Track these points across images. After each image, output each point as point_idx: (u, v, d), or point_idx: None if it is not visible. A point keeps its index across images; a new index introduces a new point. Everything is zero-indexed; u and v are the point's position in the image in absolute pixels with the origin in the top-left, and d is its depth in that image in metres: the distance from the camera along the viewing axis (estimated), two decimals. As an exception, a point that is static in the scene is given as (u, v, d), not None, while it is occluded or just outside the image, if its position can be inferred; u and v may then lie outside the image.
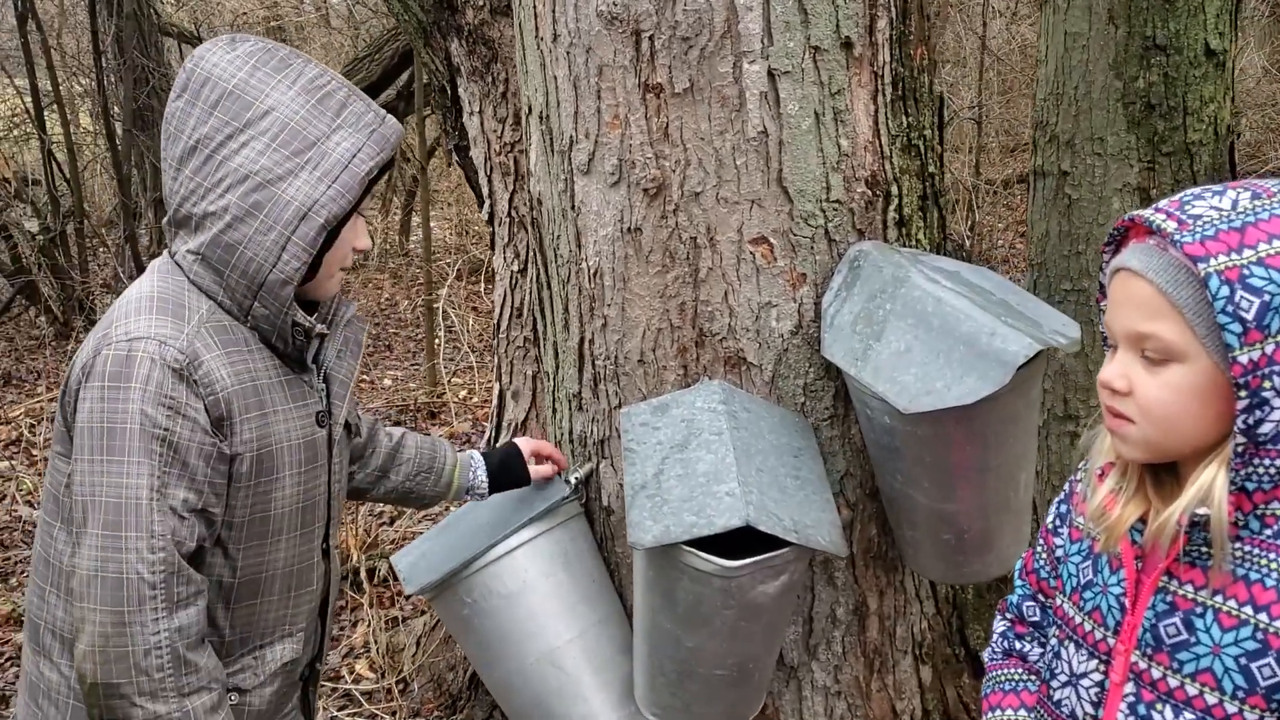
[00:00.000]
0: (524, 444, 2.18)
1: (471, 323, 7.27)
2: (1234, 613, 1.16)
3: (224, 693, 1.55)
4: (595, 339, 2.10)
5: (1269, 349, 1.10)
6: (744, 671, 1.89)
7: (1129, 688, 1.27)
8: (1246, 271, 1.10)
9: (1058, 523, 1.44)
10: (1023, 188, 10.23)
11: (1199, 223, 1.13)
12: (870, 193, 1.98)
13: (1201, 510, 1.16)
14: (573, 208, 2.05)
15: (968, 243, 7.99)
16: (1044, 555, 1.46)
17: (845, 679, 2.21)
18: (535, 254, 2.26)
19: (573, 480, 2.18)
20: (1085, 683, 1.34)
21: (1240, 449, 1.13)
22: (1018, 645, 1.53)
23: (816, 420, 2.03)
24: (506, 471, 2.14)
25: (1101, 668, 1.31)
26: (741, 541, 1.76)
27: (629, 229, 1.98)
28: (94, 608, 1.46)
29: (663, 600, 1.82)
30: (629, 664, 2.10)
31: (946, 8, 9.59)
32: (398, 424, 6.01)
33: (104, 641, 1.45)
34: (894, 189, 2.02)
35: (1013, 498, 1.94)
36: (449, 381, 6.32)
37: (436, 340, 6.39)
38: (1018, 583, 1.55)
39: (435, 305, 6.36)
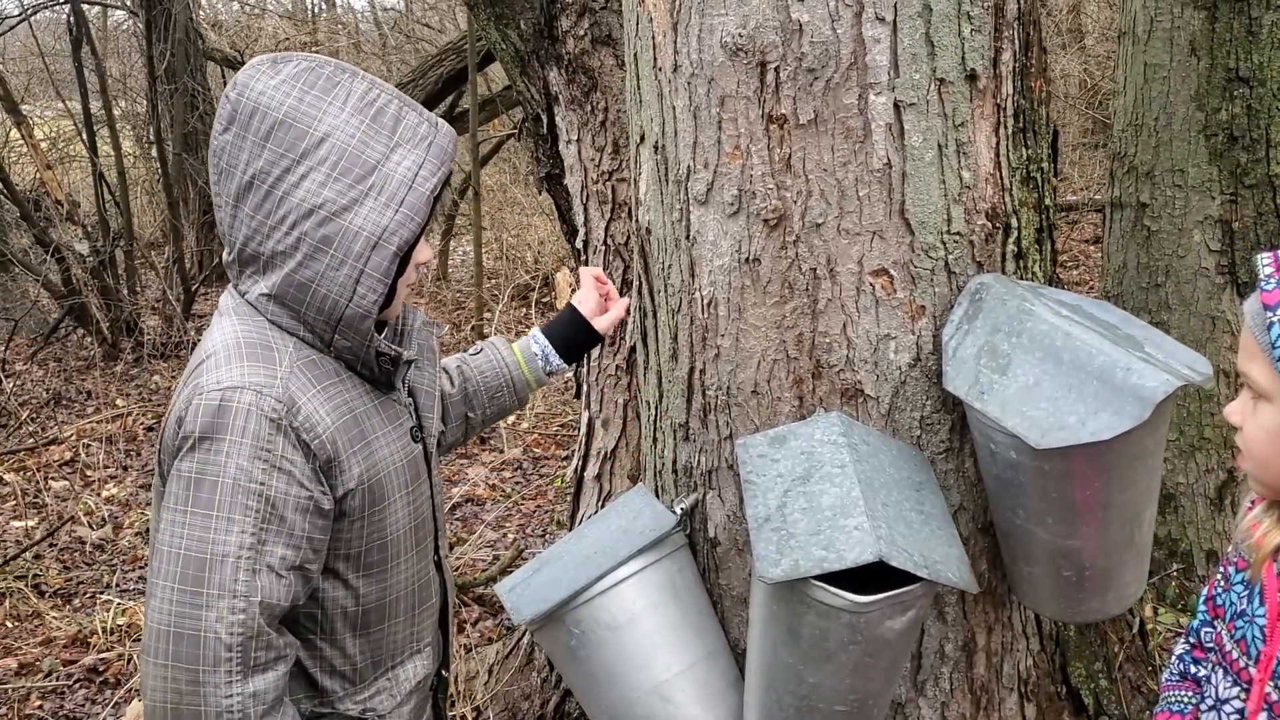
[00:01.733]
0: (582, 303, 2.15)
1: (519, 348, 7.28)
2: None
3: None
4: (707, 369, 2.09)
5: None
6: (864, 708, 1.87)
7: (1262, 717, 1.29)
8: None
9: (1231, 552, 1.45)
10: (1063, 218, 10.20)
11: None
12: (990, 225, 1.97)
13: None
14: (687, 237, 2.05)
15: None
16: (1221, 583, 1.47)
17: (952, 716, 2.18)
18: (640, 283, 2.25)
19: (679, 510, 2.16)
20: (1227, 708, 1.38)
21: None
22: (1193, 669, 1.57)
23: (932, 453, 2.01)
24: (576, 340, 2.14)
25: (1242, 695, 1.35)
26: (863, 577, 1.74)
27: (747, 259, 1.97)
28: (165, 664, 1.41)
29: (785, 634, 1.80)
30: (738, 697, 2.08)
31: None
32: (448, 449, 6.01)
33: (176, 700, 1.41)
34: (1013, 221, 2.00)
35: (1136, 535, 1.91)
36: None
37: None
38: (1199, 608, 1.57)
39: (485, 330, 6.38)
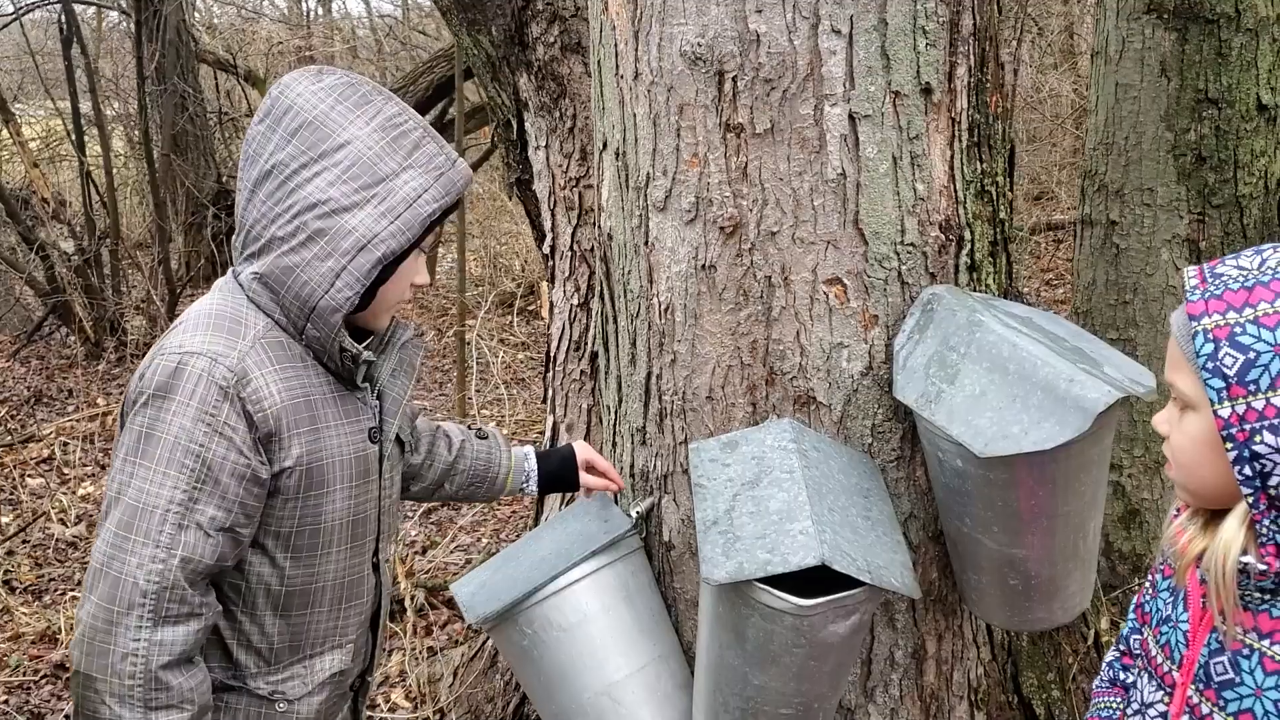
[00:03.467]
0: (580, 451, 2.22)
1: (501, 355, 7.30)
2: (1278, 658, 1.21)
3: (201, 713, 1.57)
4: (663, 374, 2.11)
5: (1257, 404, 1.16)
6: (809, 711, 1.88)
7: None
8: (1238, 329, 1.16)
9: (1159, 560, 1.47)
10: (1048, 236, 10.26)
11: (1216, 281, 1.21)
12: (944, 237, 2.00)
13: (1245, 558, 1.22)
14: (646, 243, 2.07)
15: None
16: (1149, 590, 1.49)
17: (901, 723, 2.19)
18: (603, 288, 2.28)
19: (634, 514, 2.18)
20: (1151, 712, 1.40)
21: (1253, 501, 1.19)
22: (1121, 675, 1.60)
23: (883, 461, 2.04)
24: (559, 479, 2.21)
25: (1166, 699, 1.37)
26: (809, 581, 1.76)
27: (703, 266, 2.00)
28: (92, 599, 1.51)
29: (731, 637, 1.82)
30: (688, 700, 2.10)
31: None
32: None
33: (92, 634, 1.50)
34: (967, 234, 2.03)
35: (1081, 545, 1.94)
36: (478, 412, 6.33)
37: (467, 371, 6.42)
38: (1130, 616, 1.60)
39: (467, 337, 6.39)
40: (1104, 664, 1.66)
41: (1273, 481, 1.17)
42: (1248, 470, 1.17)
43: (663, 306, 2.07)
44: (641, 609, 2.14)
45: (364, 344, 1.74)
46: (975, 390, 1.81)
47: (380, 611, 1.88)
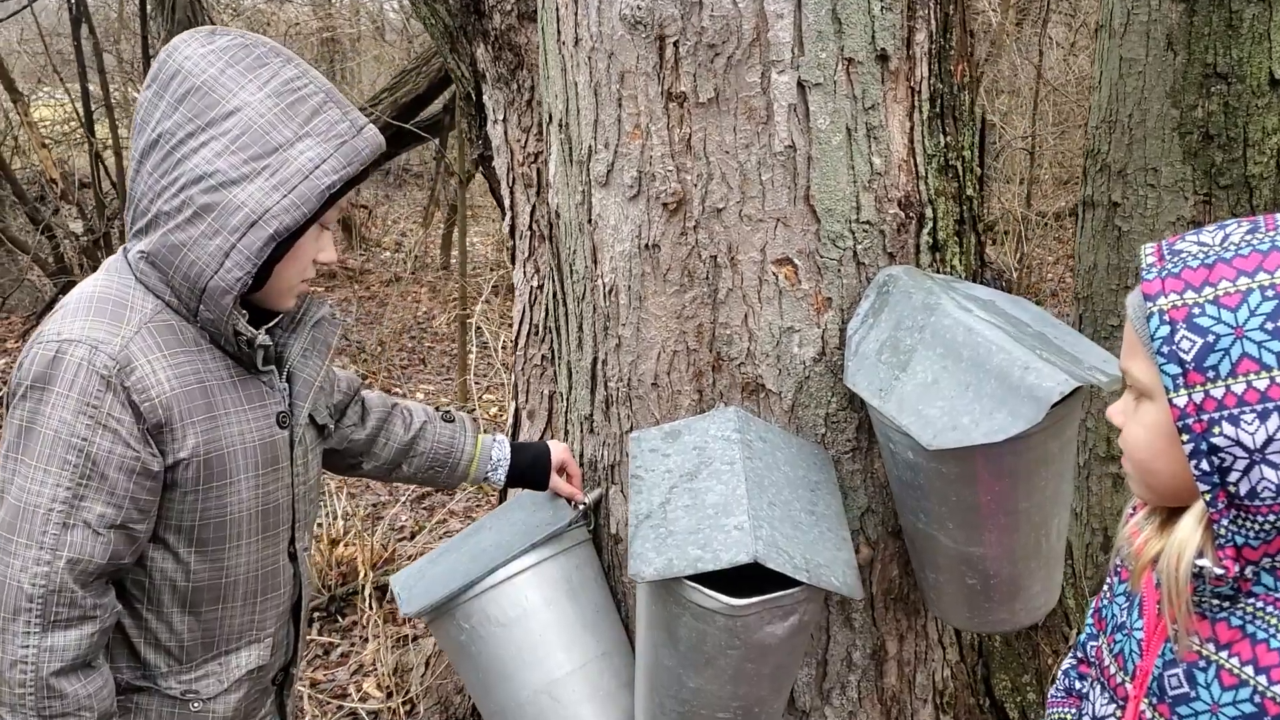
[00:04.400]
0: (556, 451, 2.12)
1: (504, 340, 7.21)
2: (1235, 671, 1.11)
3: (102, 719, 1.50)
4: (609, 359, 2.00)
5: (1216, 393, 1.05)
6: (748, 714, 1.78)
7: None
8: (1196, 310, 1.07)
9: (1118, 561, 1.37)
10: (1075, 220, 10.05)
11: (1174, 259, 1.11)
12: (903, 214, 1.88)
13: (1202, 561, 1.11)
14: (590, 221, 1.97)
15: (1015, 274, 7.83)
16: (1107, 595, 1.39)
17: (861, 727, 2.09)
18: (552, 269, 2.17)
19: (581, 505, 2.08)
20: None
21: (1211, 498, 1.08)
22: (1078, 685, 1.50)
23: (837, 453, 1.93)
24: (528, 476, 2.11)
25: (1118, 712, 1.28)
26: (753, 579, 1.66)
27: (647, 245, 1.89)
28: None
29: (665, 636, 1.72)
30: (631, 699, 2.00)
31: (1003, 36, 9.45)
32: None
33: None
34: (928, 211, 1.91)
35: (1044, 544, 1.82)
36: (479, 398, 6.26)
37: (469, 355, 6.34)
38: (1087, 621, 1.49)
39: (469, 320, 6.31)
40: (1060, 672, 1.56)
41: (1232, 477, 1.06)
42: (1205, 465, 1.07)
43: (607, 288, 1.97)
44: (586, 604, 2.04)
45: (273, 323, 1.65)
46: (927, 378, 1.70)
47: (301, 603, 1.80)
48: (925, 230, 1.91)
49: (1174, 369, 1.07)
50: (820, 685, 2.05)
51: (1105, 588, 1.42)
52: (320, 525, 4.20)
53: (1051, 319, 1.84)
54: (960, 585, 1.85)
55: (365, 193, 12.69)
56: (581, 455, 2.16)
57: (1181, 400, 1.07)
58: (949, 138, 1.93)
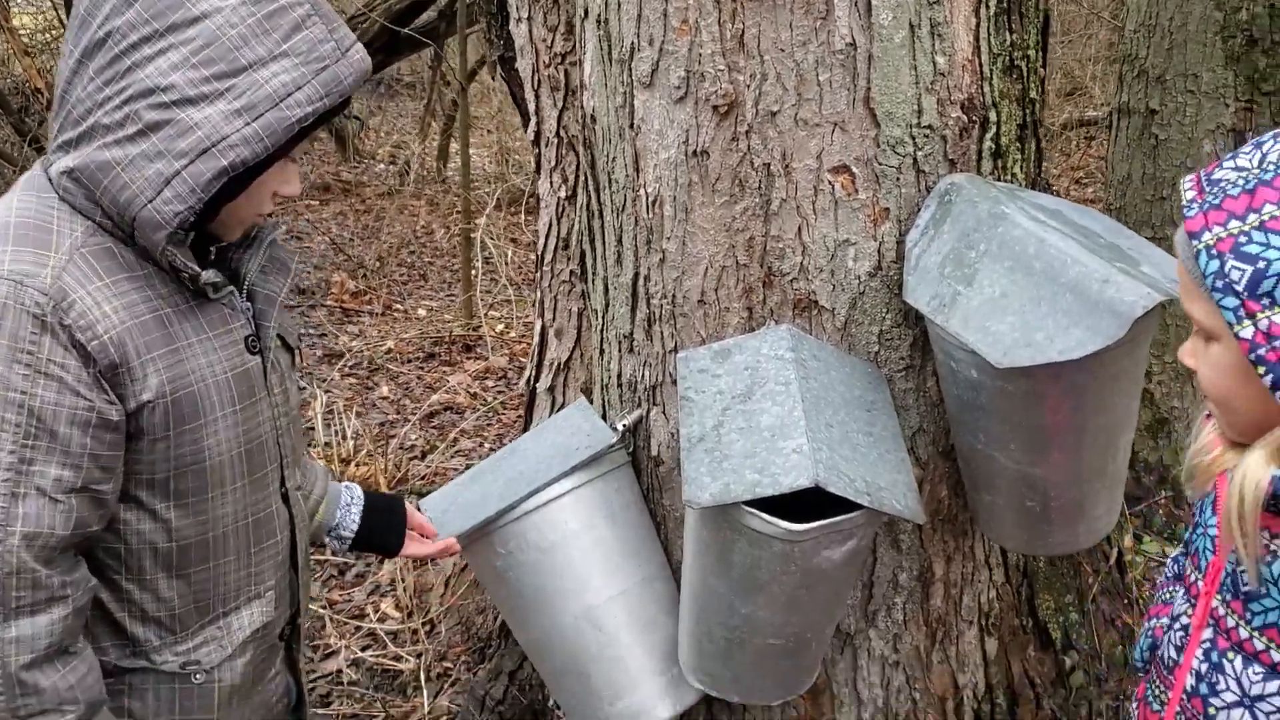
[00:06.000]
0: (412, 515, 1.91)
1: (510, 254, 7.09)
2: None
3: (90, 711, 1.32)
4: (651, 275, 1.91)
5: (1278, 318, 1.00)
6: (800, 642, 1.73)
7: (1207, 633, 1.21)
8: (1243, 239, 1.02)
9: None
10: (1080, 132, 9.86)
11: (1213, 189, 1.08)
12: (966, 118, 1.77)
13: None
14: (631, 126, 1.85)
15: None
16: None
17: (905, 649, 2.04)
18: (587, 178, 2.06)
19: (620, 427, 2.00)
20: (1176, 625, 1.29)
21: None
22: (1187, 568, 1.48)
23: (890, 371, 1.84)
24: (382, 531, 1.86)
25: (1189, 611, 1.27)
26: (806, 502, 1.59)
27: (695, 152, 1.78)
28: None
29: (716, 563, 1.65)
30: (674, 625, 1.95)
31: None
32: (431, 356, 5.88)
33: None
34: (992, 115, 1.80)
35: (1110, 464, 1.75)
36: (485, 314, 6.16)
37: (474, 271, 6.22)
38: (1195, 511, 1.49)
39: (473, 235, 6.18)
40: (1170, 559, 1.56)
41: None
42: None
43: (650, 199, 1.86)
44: (626, 528, 1.97)
45: (219, 245, 1.45)
46: (995, 292, 1.61)
47: (299, 548, 1.63)
48: (988, 135, 1.81)
49: (1231, 301, 1.02)
50: (865, 608, 2.00)
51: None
52: (329, 444, 4.13)
53: (1124, 229, 1.74)
54: (1019, 507, 1.79)
55: (356, 104, 12.42)
56: (619, 375, 2.07)
57: (1248, 331, 1.02)
58: (1015, 35, 1.81)
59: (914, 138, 1.73)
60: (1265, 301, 1.00)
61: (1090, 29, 10.96)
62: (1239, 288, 1.01)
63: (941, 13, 1.70)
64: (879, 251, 1.78)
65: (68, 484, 1.27)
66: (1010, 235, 1.63)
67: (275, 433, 1.53)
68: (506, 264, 6.72)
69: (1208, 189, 1.07)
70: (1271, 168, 1.03)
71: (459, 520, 1.95)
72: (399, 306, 6.80)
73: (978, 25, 1.74)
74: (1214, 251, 1.03)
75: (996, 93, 1.80)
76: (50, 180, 1.34)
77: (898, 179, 1.75)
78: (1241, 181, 1.05)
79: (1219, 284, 1.03)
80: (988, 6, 1.75)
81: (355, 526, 1.85)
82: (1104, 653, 2.41)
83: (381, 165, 10.96)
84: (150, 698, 1.45)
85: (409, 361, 5.79)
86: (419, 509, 2.00)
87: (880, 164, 1.74)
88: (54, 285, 1.26)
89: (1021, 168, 1.90)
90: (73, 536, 1.29)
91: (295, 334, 1.65)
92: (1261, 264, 1.00)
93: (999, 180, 1.84)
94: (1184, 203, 1.09)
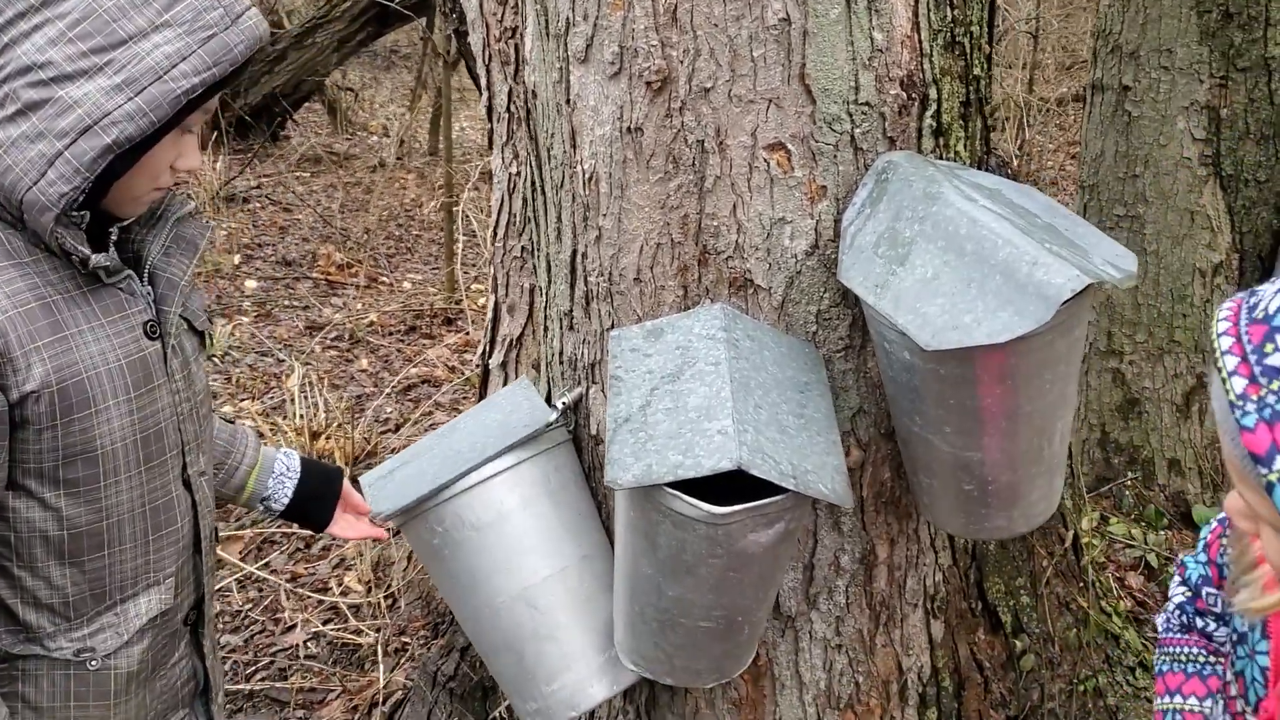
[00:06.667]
0: (349, 493, 1.91)
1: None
2: None
3: None
4: (588, 252, 1.88)
5: None
6: (732, 624, 1.72)
7: None
8: None
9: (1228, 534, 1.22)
10: (1078, 107, 9.79)
11: (1271, 386, 0.86)
12: (905, 95, 1.73)
13: None
14: (568, 102, 1.82)
15: (1015, 162, 7.64)
16: (1222, 545, 1.26)
17: (847, 631, 2.03)
18: (529, 154, 2.03)
19: (560, 405, 1.99)
20: None
21: None
22: (1199, 622, 1.36)
23: (829, 352, 1.82)
24: (315, 505, 1.87)
25: None
26: (738, 484, 1.57)
27: (629, 128, 1.75)
28: None
29: (644, 544, 1.64)
30: (612, 604, 1.93)
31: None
32: (412, 329, 5.86)
33: None
34: (932, 92, 1.77)
35: (1046, 449, 1.73)
36: (468, 289, 6.14)
37: (456, 245, 6.19)
38: (1198, 558, 1.35)
39: (455, 208, 6.15)
40: (1171, 605, 1.43)
41: None
42: None
43: (587, 175, 1.83)
44: (565, 506, 1.96)
45: (122, 224, 1.42)
46: (927, 273, 1.58)
47: (202, 534, 1.60)
48: (929, 113, 1.78)
49: None
50: (807, 590, 1.99)
51: (1224, 542, 1.30)
52: (301, 417, 4.12)
53: (1061, 209, 1.71)
54: (956, 491, 1.77)
55: (351, 74, 12.34)
56: (560, 353, 2.05)
57: None
58: (956, 11, 1.78)
59: (851, 114, 1.70)
60: None
61: (1090, 3, 10.86)
62: None
63: (879, -13, 1.66)
64: (816, 230, 1.75)
65: None
66: (944, 215, 1.60)
67: (176, 419, 1.50)
68: (489, 237, 6.68)
69: (1261, 382, 0.88)
70: None
71: (395, 497, 1.94)
72: (384, 279, 6.77)
73: (916, 1, 1.71)
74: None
75: (937, 69, 1.77)
76: None
77: (835, 156, 1.72)
78: None
79: None
80: (927, -19, 1.71)
81: (287, 498, 1.84)
82: (1057, 636, 2.40)
83: (374, 137, 10.91)
84: (45, 684, 1.44)
85: (390, 334, 5.78)
86: (356, 486, 1.99)
87: (817, 141, 1.71)
88: None
89: (965, 145, 1.87)
90: None
91: (204, 316, 1.62)
92: None
93: (941, 158, 1.81)
94: (1235, 393, 0.88)
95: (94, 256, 1.34)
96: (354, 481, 3.25)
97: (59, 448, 1.35)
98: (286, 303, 6.15)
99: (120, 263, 1.40)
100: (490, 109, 2.40)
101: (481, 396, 2.75)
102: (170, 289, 1.47)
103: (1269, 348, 0.87)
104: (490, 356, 2.64)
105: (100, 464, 1.39)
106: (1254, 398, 0.86)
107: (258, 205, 8.06)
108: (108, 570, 1.45)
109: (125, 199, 1.38)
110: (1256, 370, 0.87)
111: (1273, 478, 0.85)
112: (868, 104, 1.71)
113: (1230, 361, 0.89)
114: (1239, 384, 0.87)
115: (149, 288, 1.46)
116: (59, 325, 1.32)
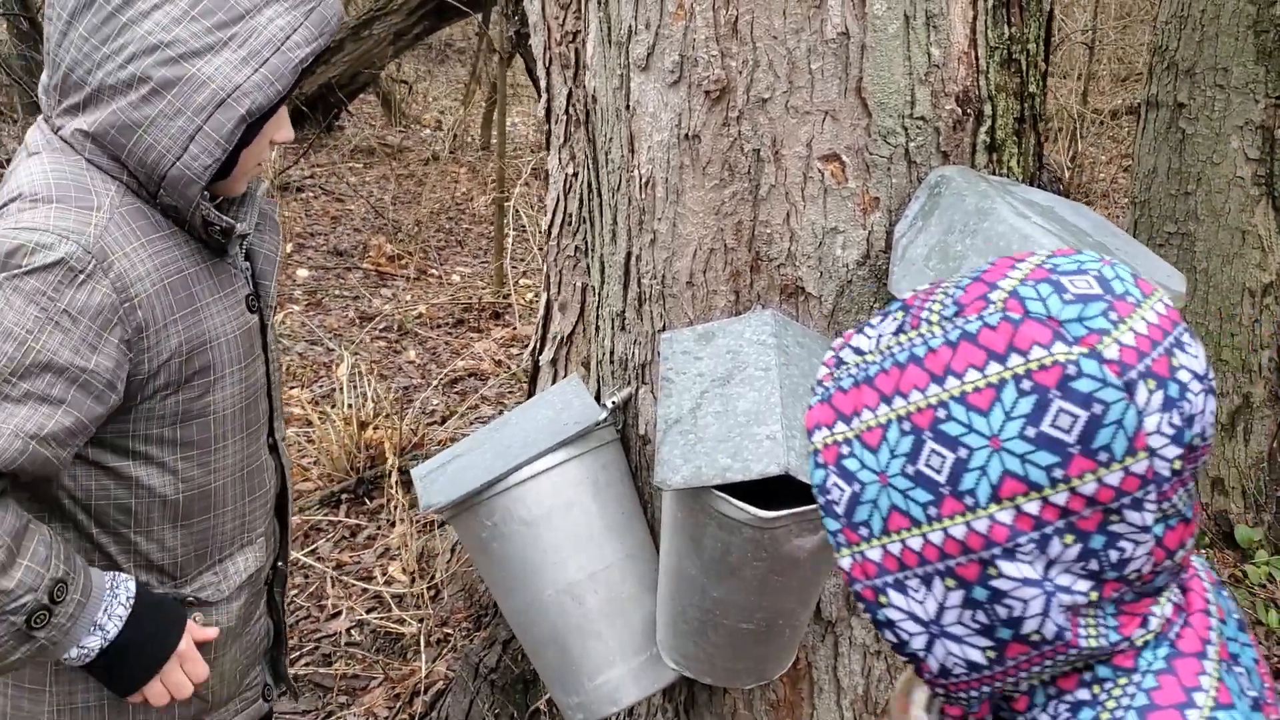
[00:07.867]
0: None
1: (543, 225, 7.11)
2: None
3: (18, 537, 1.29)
4: (643, 255, 1.92)
5: (873, 554, 0.85)
6: (773, 627, 1.75)
7: None
8: (844, 450, 0.86)
9: None
10: (1131, 120, 9.70)
11: (839, 371, 0.89)
12: (960, 110, 1.76)
13: None
14: (627, 108, 1.86)
15: (1066, 174, 7.59)
16: None
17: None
18: (588, 157, 2.08)
19: (610, 404, 2.03)
20: None
21: (916, 670, 0.89)
22: None
23: (877, 361, 1.85)
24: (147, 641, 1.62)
25: None
26: (783, 489, 1.61)
27: (687, 135, 1.79)
28: None
29: (689, 545, 1.67)
30: (654, 602, 1.97)
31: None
32: (460, 322, 5.93)
33: None
34: (987, 108, 1.79)
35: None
36: (516, 283, 6.20)
37: (506, 240, 6.26)
38: None
39: (506, 204, 6.21)
40: None
41: (915, 646, 0.86)
42: (890, 636, 0.87)
43: (643, 180, 1.87)
44: (611, 505, 2.00)
45: (224, 208, 1.50)
46: (977, 288, 1.60)
47: (286, 495, 1.72)
48: (983, 128, 1.80)
49: (834, 524, 0.88)
50: (848, 596, 2.01)
51: None
52: (349, 406, 4.20)
53: (1112, 228, 1.73)
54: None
55: (406, 67, 12.47)
56: (611, 352, 2.09)
57: (845, 562, 0.88)
58: (1014, 29, 1.80)
59: (906, 128, 1.73)
60: (867, 532, 0.85)
61: (1148, 16, 10.75)
62: (838, 510, 0.87)
63: (937, 4, 1.69)
64: (868, 241, 1.78)
65: (31, 430, 1.27)
66: (995, 230, 1.62)
67: (268, 387, 1.61)
68: (539, 233, 6.74)
69: (834, 369, 0.90)
70: (881, 357, 0.86)
71: (447, 490, 1.98)
72: (434, 271, 6.86)
73: (974, 18, 1.73)
74: (820, 459, 0.88)
75: (993, 86, 1.79)
76: (69, 143, 1.36)
77: (889, 169, 1.75)
78: (854, 373, 0.88)
79: (822, 499, 0.88)
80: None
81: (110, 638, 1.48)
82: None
83: (427, 130, 11.02)
84: None
85: (438, 326, 5.85)
86: (411, 478, 2.05)
87: (871, 153, 1.73)
88: (96, 244, 1.30)
89: (1019, 162, 1.89)
90: (14, 473, 1.28)
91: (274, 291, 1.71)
92: (857, 486, 0.85)
93: (994, 173, 1.83)
94: (818, 380, 0.92)
95: (238, 225, 1.42)
96: (404, 473, 3.31)
97: (181, 412, 1.43)
98: (337, 292, 6.25)
99: (249, 229, 1.49)
100: (549, 111, 2.45)
101: (531, 392, 2.80)
102: (269, 264, 1.58)
103: (855, 339, 0.92)
104: (540, 353, 2.68)
105: (213, 428, 1.48)
106: (823, 385, 0.91)
107: (311, 195, 8.18)
108: (212, 531, 1.54)
109: (241, 175, 1.46)
110: (835, 359, 0.91)
111: (813, 444, 0.90)
112: (923, 118, 1.73)
113: (822, 367, 0.94)
114: (823, 372, 0.92)
115: (248, 264, 1.56)
116: (193, 298, 1.41)
